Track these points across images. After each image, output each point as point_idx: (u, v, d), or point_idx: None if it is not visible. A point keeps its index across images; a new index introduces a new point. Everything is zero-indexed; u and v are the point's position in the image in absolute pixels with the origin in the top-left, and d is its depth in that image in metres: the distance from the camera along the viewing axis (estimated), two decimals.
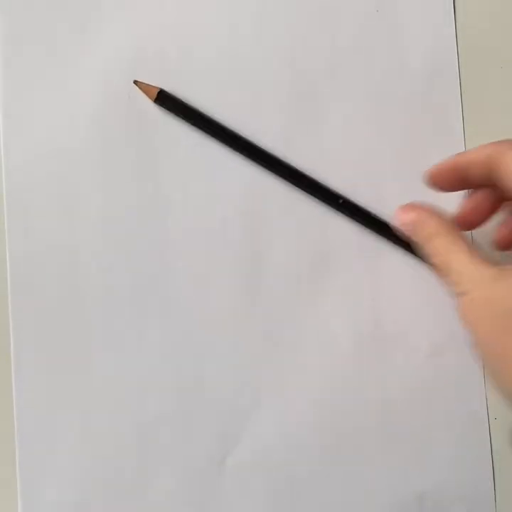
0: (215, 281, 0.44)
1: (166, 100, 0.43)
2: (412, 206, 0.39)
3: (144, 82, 0.44)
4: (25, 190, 0.44)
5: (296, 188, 0.44)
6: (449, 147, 0.46)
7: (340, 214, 0.45)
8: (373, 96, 0.45)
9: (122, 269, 0.44)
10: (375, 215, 0.44)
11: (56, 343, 0.43)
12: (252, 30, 0.45)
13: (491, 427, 0.46)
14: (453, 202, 0.42)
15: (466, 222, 0.41)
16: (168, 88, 0.44)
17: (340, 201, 0.44)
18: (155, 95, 0.43)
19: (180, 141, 0.44)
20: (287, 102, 0.45)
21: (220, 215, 0.44)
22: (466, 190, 0.42)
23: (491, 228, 0.42)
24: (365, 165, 0.45)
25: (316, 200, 0.44)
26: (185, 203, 0.44)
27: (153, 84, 0.44)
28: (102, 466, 0.44)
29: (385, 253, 0.45)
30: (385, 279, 0.45)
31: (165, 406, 0.44)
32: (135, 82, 0.44)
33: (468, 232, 0.45)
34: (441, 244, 0.36)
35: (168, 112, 0.44)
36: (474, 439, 0.46)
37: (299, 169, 0.44)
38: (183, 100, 0.44)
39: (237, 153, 0.44)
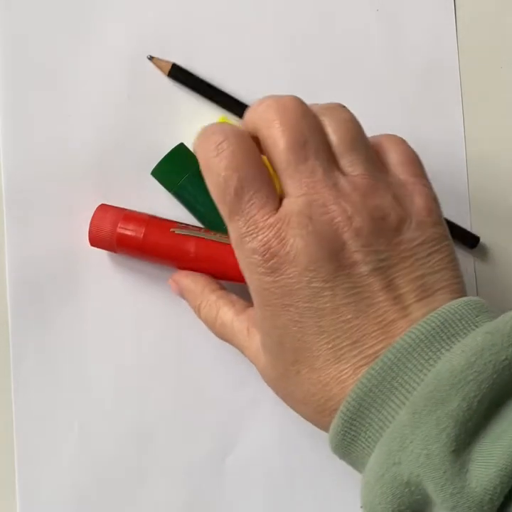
0: None
1: (179, 74, 0.44)
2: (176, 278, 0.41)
3: (157, 57, 0.44)
4: (25, 189, 0.43)
5: None
6: (449, 147, 0.46)
7: None
8: (373, 96, 0.45)
9: (122, 268, 0.44)
10: None
11: (56, 343, 0.43)
12: (252, 29, 0.45)
13: None
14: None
15: None
16: (181, 63, 0.44)
17: None
18: (168, 70, 0.43)
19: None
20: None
21: None
22: None
23: None
24: None
25: None
26: None
27: (166, 60, 0.44)
28: (101, 467, 0.44)
29: None
30: None
31: (164, 406, 0.44)
32: (149, 57, 0.44)
33: None
34: (209, 315, 0.40)
35: (181, 85, 0.44)
36: None
37: None
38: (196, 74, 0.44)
39: None
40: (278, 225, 0.32)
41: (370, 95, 0.45)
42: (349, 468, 0.45)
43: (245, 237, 0.33)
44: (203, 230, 0.42)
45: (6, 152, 0.43)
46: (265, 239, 0.32)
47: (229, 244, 0.39)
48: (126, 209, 0.42)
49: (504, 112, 0.46)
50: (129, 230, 0.41)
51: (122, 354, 0.44)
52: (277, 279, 0.32)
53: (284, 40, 0.45)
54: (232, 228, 0.34)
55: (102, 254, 0.43)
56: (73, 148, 0.44)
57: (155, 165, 0.42)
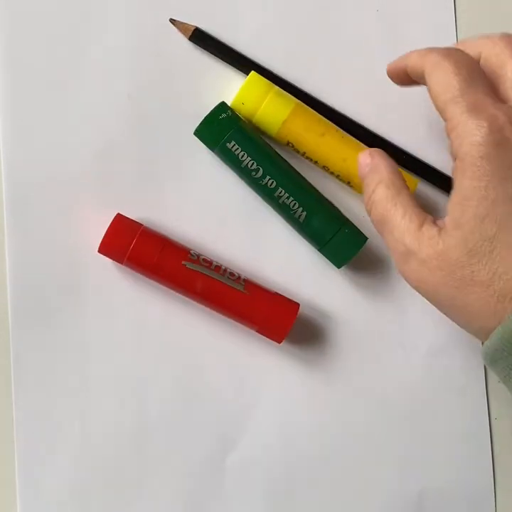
0: None
1: (201, 38, 0.44)
2: (372, 152, 0.40)
3: (179, 20, 0.44)
4: (25, 190, 0.43)
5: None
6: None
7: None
8: (373, 95, 0.45)
9: (123, 269, 0.44)
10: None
11: (56, 343, 0.43)
12: (251, 29, 0.45)
13: (491, 427, 0.46)
14: None
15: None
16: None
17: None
18: (190, 33, 0.43)
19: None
20: None
21: None
22: None
23: None
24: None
25: None
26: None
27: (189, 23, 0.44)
28: (102, 467, 0.44)
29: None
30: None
31: (164, 406, 0.44)
32: (171, 20, 0.44)
33: None
34: (384, 194, 0.37)
35: (202, 50, 0.44)
36: (474, 439, 0.46)
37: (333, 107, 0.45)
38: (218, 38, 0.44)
39: None
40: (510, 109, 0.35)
41: (370, 95, 0.45)
42: (348, 468, 0.45)
43: (475, 108, 0.34)
44: (213, 267, 0.42)
45: (6, 151, 0.43)
46: (496, 114, 0.34)
47: (234, 289, 0.42)
48: (142, 224, 0.42)
49: None
50: (143, 251, 0.41)
51: (122, 354, 0.44)
52: (500, 152, 0.34)
53: (284, 39, 0.45)
54: (461, 103, 0.35)
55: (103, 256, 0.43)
56: (74, 147, 0.44)
57: (194, 127, 0.42)
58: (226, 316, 0.43)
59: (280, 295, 0.43)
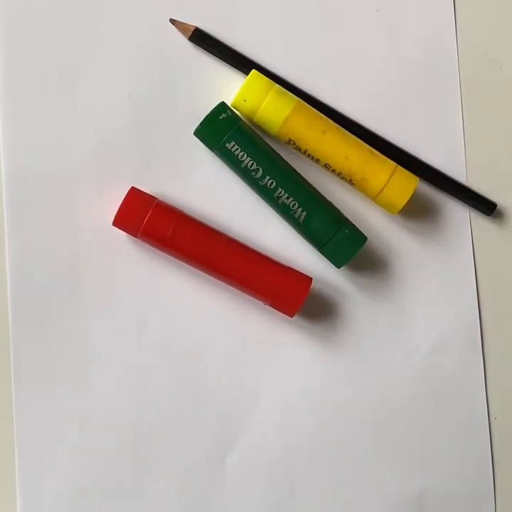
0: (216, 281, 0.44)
1: (201, 38, 0.44)
2: None
3: (179, 20, 0.44)
4: (26, 187, 0.43)
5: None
6: (448, 147, 0.46)
7: None
8: (373, 95, 0.45)
9: (123, 267, 0.44)
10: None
11: (56, 344, 0.43)
12: (251, 29, 0.45)
13: (491, 427, 0.46)
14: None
15: None
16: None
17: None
18: (190, 33, 0.43)
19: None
20: None
21: None
22: None
23: None
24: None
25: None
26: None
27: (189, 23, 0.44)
28: (102, 467, 0.44)
29: (392, 249, 0.45)
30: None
31: (164, 406, 0.44)
32: (171, 20, 0.44)
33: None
34: None
35: (202, 50, 0.44)
36: (474, 439, 0.46)
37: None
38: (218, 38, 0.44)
39: None
40: None
41: (370, 95, 0.45)
42: (348, 468, 0.45)
43: None
44: (227, 240, 0.42)
45: (6, 151, 0.43)
46: None
47: (248, 262, 0.42)
48: (156, 198, 0.42)
49: (504, 111, 0.46)
50: (157, 224, 0.41)
51: (122, 354, 0.44)
52: None
53: (284, 39, 0.45)
54: None
55: (103, 253, 0.43)
56: (74, 147, 0.44)
57: (193, 128, 0.42)
58: (239, 289, 0.43)
59: (293, 269, 0.43)
